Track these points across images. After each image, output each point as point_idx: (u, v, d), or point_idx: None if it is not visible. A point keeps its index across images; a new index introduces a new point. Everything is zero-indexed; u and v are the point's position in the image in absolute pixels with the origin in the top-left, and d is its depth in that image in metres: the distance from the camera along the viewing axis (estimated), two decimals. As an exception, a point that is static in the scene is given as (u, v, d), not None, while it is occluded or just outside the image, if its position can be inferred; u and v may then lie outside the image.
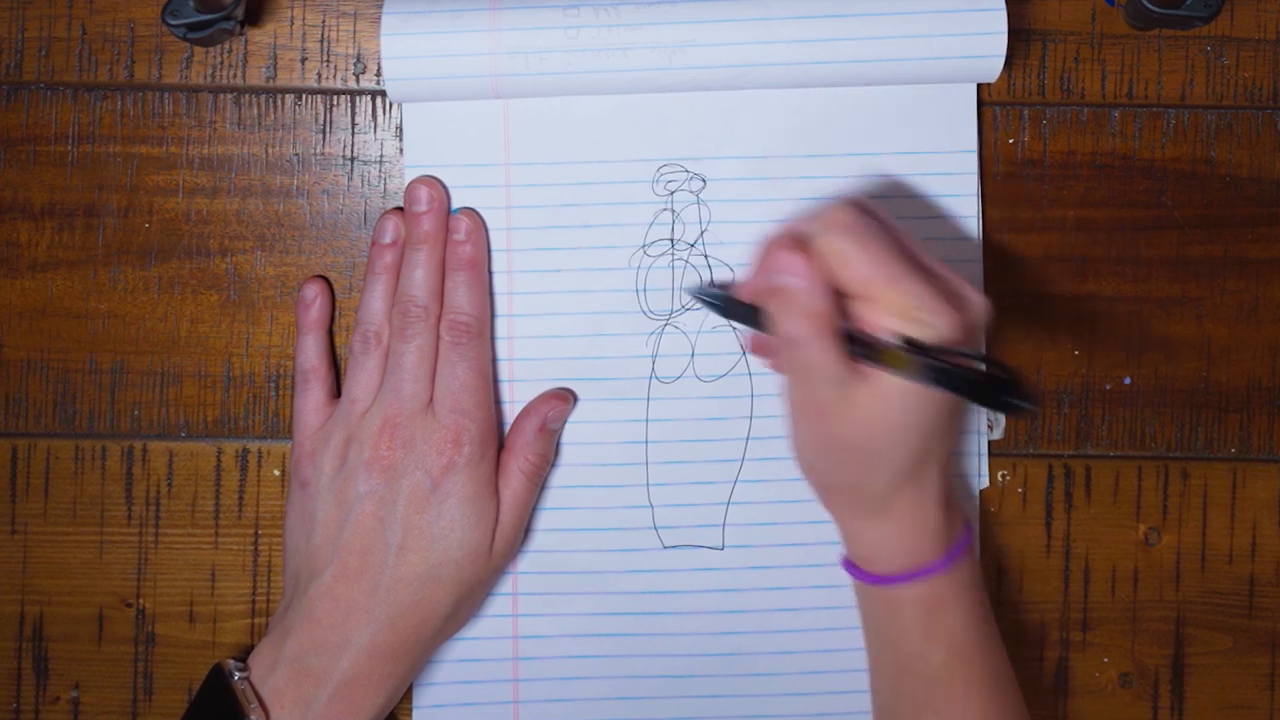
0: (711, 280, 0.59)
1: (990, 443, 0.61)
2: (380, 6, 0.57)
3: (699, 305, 0.59)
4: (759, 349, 0.58)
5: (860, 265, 0.49)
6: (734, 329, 0.59)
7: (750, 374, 0.60)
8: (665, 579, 0.60)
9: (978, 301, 0.51)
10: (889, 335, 0.48)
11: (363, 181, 0.61)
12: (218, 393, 0.61)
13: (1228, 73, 0.61)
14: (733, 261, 0.59)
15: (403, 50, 0.56)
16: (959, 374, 0.46)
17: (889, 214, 0.52)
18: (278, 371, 0.61)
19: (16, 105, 0.60)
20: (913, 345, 0.48)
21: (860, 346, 0.49)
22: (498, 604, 0.60)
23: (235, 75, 0.60)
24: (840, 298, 0.50)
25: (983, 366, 0.47)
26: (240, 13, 0.58)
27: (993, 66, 0.57)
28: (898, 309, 0.49)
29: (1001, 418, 0.61)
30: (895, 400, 0.49)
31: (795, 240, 0.51)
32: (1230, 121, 0.61)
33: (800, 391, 0.51)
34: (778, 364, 0.56)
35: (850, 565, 0.55)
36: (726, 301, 0.54)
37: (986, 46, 0.56)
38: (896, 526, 0.53)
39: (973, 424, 0.60)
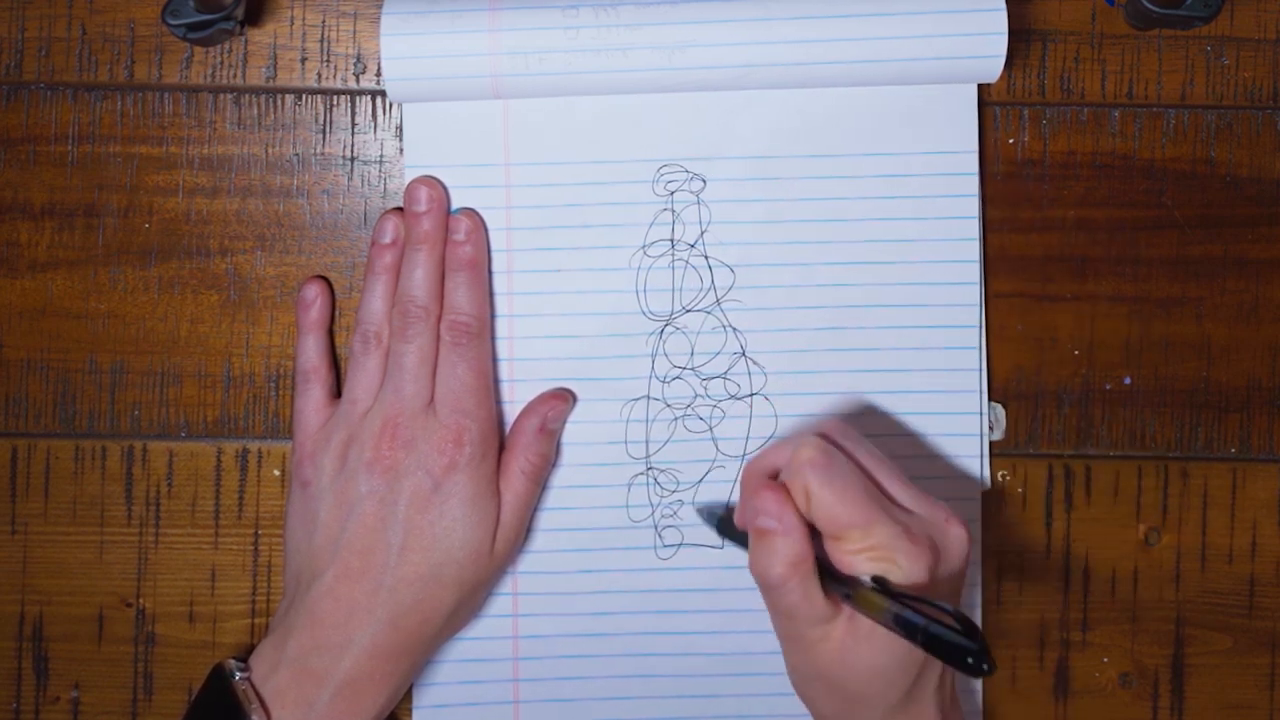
0: (718, 505, 0.60)
1: (990, 443, 0.61)
2: (380, 6, 0.57)
3: (701, 520, 0.59)
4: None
5: (829, 507, 0.49)
6: (733, 330, 0.59)
7: (750, 373, 0.60)
8: (665, 579, 0.60)
9: (958, 535, 0.51)
10: (861, 575, 0.48)
11: (363, 181, 0.61)
12: (218, 393, 0.61)
13: (1228, 73, 0.61)
14: (733, 262, 0.59)
15: (402, 50, 0.56)
16: (921, 626, 0.45)
17: (860, 443, 0.52)
18: (278, 371, 0.61)
19: (16, 105, 0.60)
20: (883, 587, 0.47)
21: (837, 583, 0.49)
22: (498, 604, 0.60)
23: (235, 75, 0.60)
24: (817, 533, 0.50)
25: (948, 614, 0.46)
26: (240, 13, 0.58)
27: (993, 67, 0.57)
28: (868, 550, 0.48)
29: (1002, 418, 0.61)
30: (875, 640, 0.49)
31: (769, 471, 0.51)
32: (1230, 121, 0.61)
33: (782, 626, 0.51)
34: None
35: None
36: (723, 525, 0.55)
37: (987, 47, 0.56)
38: None
39: (974, 427, 0.60)
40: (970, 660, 0.44)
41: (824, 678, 0.51)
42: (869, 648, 0.49)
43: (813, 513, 0.49)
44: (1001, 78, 0.60)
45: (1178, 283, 0.61)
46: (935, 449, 0.60)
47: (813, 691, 0.53)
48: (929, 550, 0.49)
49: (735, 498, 0.60)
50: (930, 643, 0.45)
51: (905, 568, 0.48)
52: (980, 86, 0.60)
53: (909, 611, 0.46)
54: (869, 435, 0.59)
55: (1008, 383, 0.61)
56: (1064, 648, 0.62)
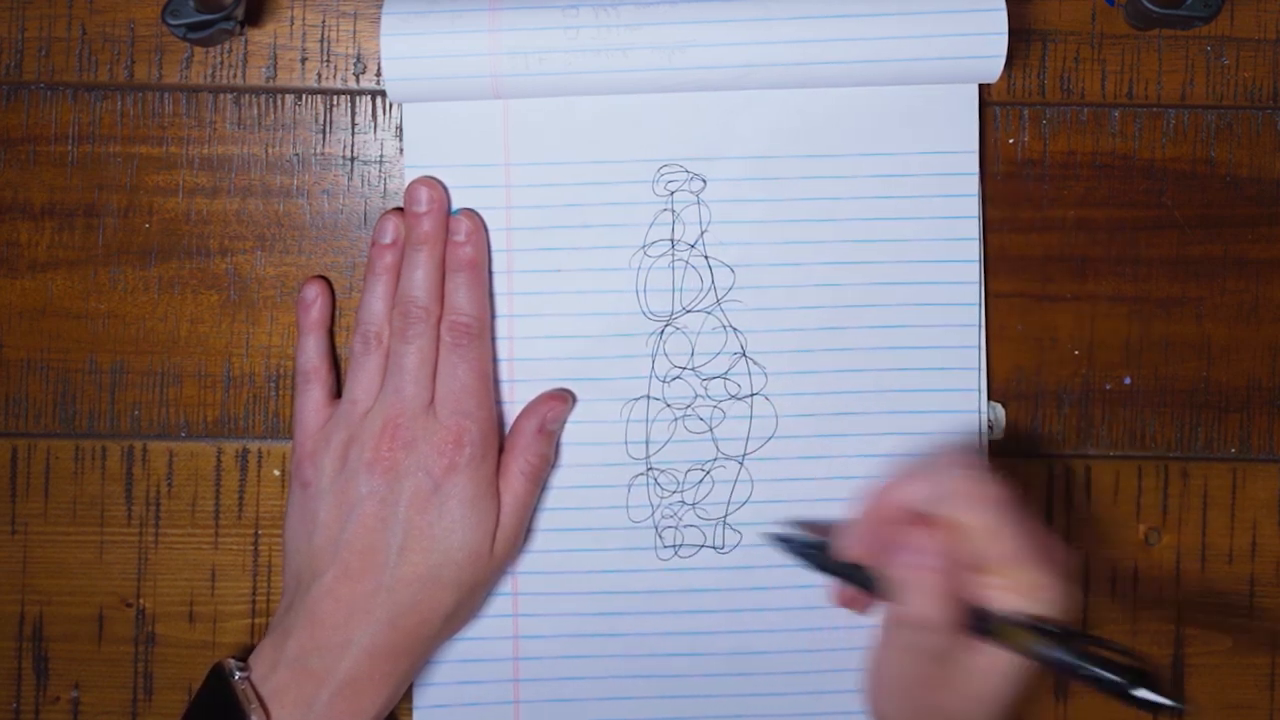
0: (806, 538, 0.58)
1: (990, 442, 0.61)
2: (380, 6, 0.57)
3: (784, 553, 0.58)
4: (844, 601, 0.58)
5: (988, 542, 0.49)
6: (733, 330, 0.59)
7: (750, 373, 0.60)
8: (666, 579, 0.60)
9: (1063, 558, 0.50)
10: (1012, 612, 0.48)
11: (363, 181, 0.61)
12: (218, 393, 0.61)
13: (1228, 73, 0.61)
14: (733, 262, 0.59)
15: (402, 50, 0.56)
16: (1096, 663, 0.45)
17: (984, 467, 0.51)
18: (278, 371, 0.61)
19: (16, 105, 0.60)
20: (1039, 624, 0.47)
21: (978, 621, 0.48)
22: (498, 604, 0.60)
23: (235, 75, 0.60)
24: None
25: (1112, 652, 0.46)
26: (240, 13, 0.58)
27: (993, 67, 0.57)
28: (1022, 587, 0.48)
29: (1001, 418, 0.61)
30: (1007, 673, 0.49)
31: (916, 510, 0.51)
32: (1230, 121, 0.61)
33: (902, 664, 0.51)
34: (860, 607, 0.57)
35: None
36: (821, 556, 0.54)
37: (987, 47, 0.56)
38: None
39: (973, 426, 0.60)
40: (1152, 692, 0.44)
41: (932, 713, 0.51)
42: (993, 681, 0.49)
43: (969, 548, 0.49)
44: (1001, 78, 0.60)
45: (1178, 283, 0.61)
46: (937, 447, 0.60)
47: (894, 712, 0.53)
48: (1059, 575, 0.49)
49: (736, 496, 0.60)
50: (1107, 678, 0.44)
51: (1047, 600, 0.48)
52: (981, 86, 0.60)
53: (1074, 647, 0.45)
54: (869, 435, 0.59)
55: (1008, 383, 0.61)
56: (1064, 648, 0.62)
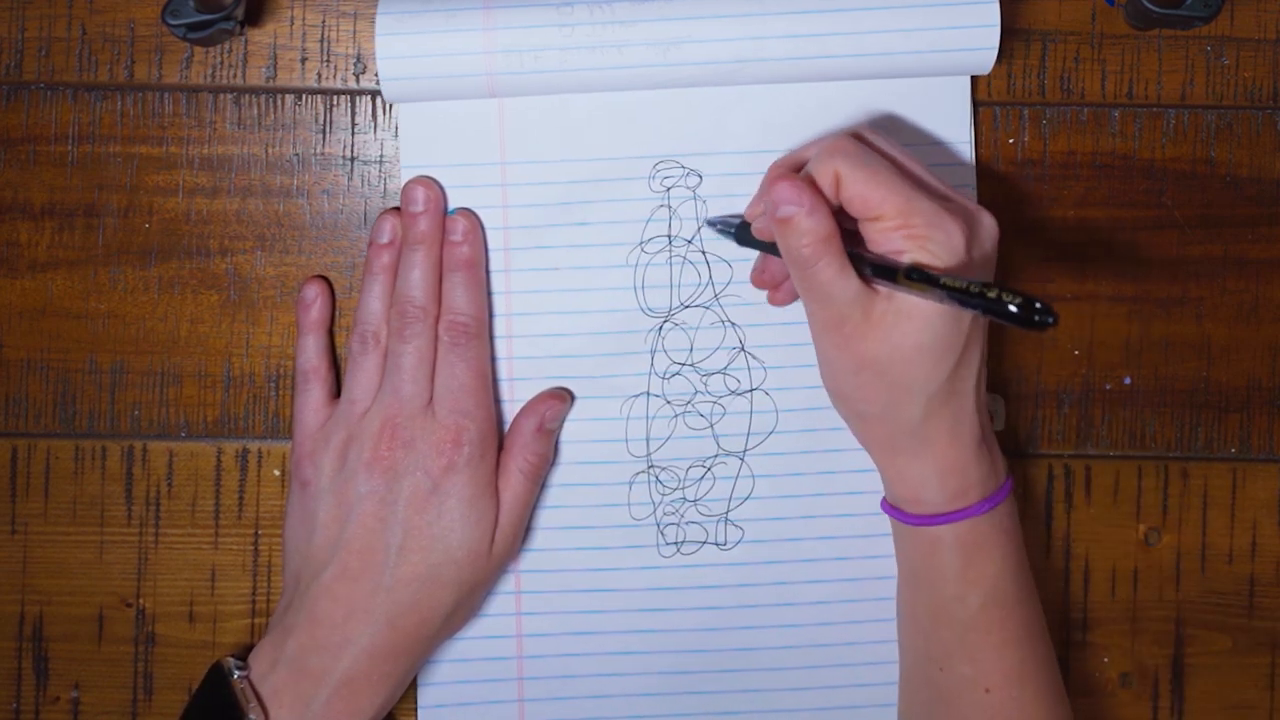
0: (731, 216, 0.59)
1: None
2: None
3: (716, 234, 0.59)
4: (760, 280, 0.58)
5: (860, 185, 0.49)
6: (732, 325, 0.59)
7: (749, 368, 0.60)
8: (669, 576, 0.60)
9: (988, 221, 0.51)
10: (899, 255, 0.49)
11: (363, 181, 0.61)
12: (218, 393, 0.61)
13: (1228, 73, 0.61)
14: (730, 256, 0.59)
15: (397, 50, 0.56)
16: (975, 294, 0.45)
17: (892, 141, 0.53)
18: (278, 371, 0.61)
19: (16, 105, 0.60)
20: (925, 271, 0.47)
21: (876, 268, 0.49)
22: (501, 603, 0.60)
23: (235, 75, 0.60)
24: (846, 221, 0.50)
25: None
26: (240, 13, 0.58)
27: (986, 59, 0.57)
28: (904, 228, 0.49)
29: (1001, 409, 0.61)
30: (918, 317, 0.49)
31: (793, 168, 0.52)
32: (1230, 121, 0.61)
33: (821, 314, 0.52)
34: (778, 296, 0.58)
35: (890, 507, 0.56)
36: (739, 230, 0.55)
37: (979, 38, 0.56)
38: (935, 465, 0.53)
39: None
40: (1031, 314, 0.43)
41: (866, 365, 0.51)
42: (911, 325, 0.49)
43: (844, 195, 0.50)
44: (1001, 78, 0.60)
45: (1178, 283, 0.61)
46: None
47: (854, 388, 0.53)
48: (965, 226, 0.49)
49: (738, 492, 0.60)
50: (990, 304, 0.44)
51: (945, 240, 0.48)
52: (980, 86, 0.60)
53: (957, 282, 0.46)
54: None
55: (1008, 383, 0.61)
56: (1064, 648, 0.62)
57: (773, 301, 0.59)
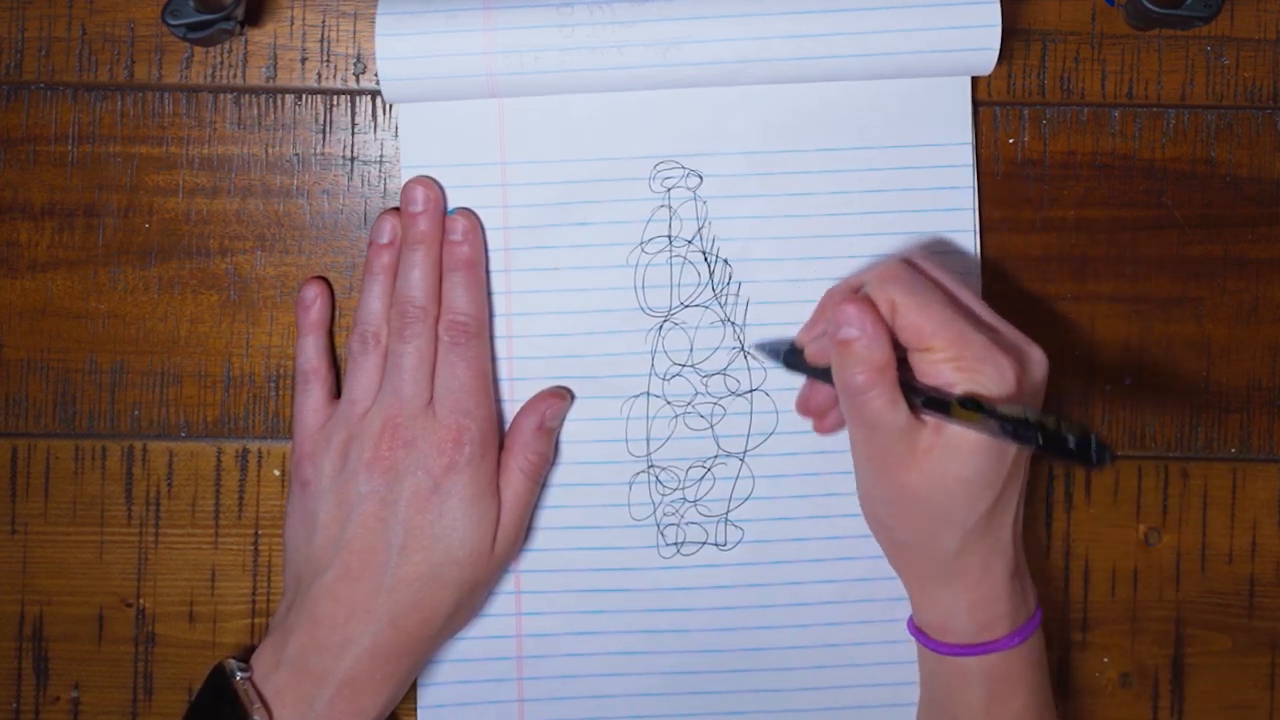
0: (779, 340, 0.59)
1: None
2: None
3: (764, 356, 0.59)
4: (806, 408, 0.58)
5: (914, 315, 0.50)
6: (733, 325, 0.59)
7: (750, 369, 0.60)
8: (669, 576, 0.60)
9: (1038, 357, 0.52)
10: (950, 387, 0.49)
11: (363, 181, 0.61)
12: (218, 393, 0.61)
13: (1228, 73, 0.61)
14: (731, 256, 0.59)
15: (397, 51, 0.56)
16: (1033, 425, 0.46)
17: (944, 268, 0.53)
18: (278, 371, 0.61)
19: (16, 105, 0.60)
20: (980, 401, 0.48)
21: (927, 399, 0.49)
22: (501, 602, 0.60)
23: (235, 75, 0.60)
24: (901, 350, 0.51)
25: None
26: (240, 13, 0.58)
27: (987, 59, 0.57)
28: (956, 360, 0.49)
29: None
30: (964, 452, 0.49)
31: (851, 292, 0.52)
32: (1230, 121, 0.61)
33: (866, 442, 0.52)
34: (822, 425, 0.58)
35: (917, 630, 0.56)
36: (788, 354, 0.56)
37: (980, 39, 0.56)
38: (968, 596, 0.53)
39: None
40: (1089, 450, 0.44)
41: (907, 496, 0.51)
42: (956, 459, 0.49)
43: (898, 324, 0.50)
44: (1001, 78, 0.60)
45: (1178, 283, 0.61)
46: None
47: (892, 516, 0.53)
48: (1015, 361, 0.49)
49: (738, 492, 0.60)
50: (1048, 437, 0.45)
51: (996, 376, 0.49)
52: (980, 86, 0.60)
53: (1015, 412, 0.46)
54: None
55: (1008, 382, 0.61)
56: (1064, 648, 0.62)
57: (819, 429, 0.58)
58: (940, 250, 0.59)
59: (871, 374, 0.50)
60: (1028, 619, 0.54)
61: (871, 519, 0.55)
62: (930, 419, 0.50)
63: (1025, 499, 0.53)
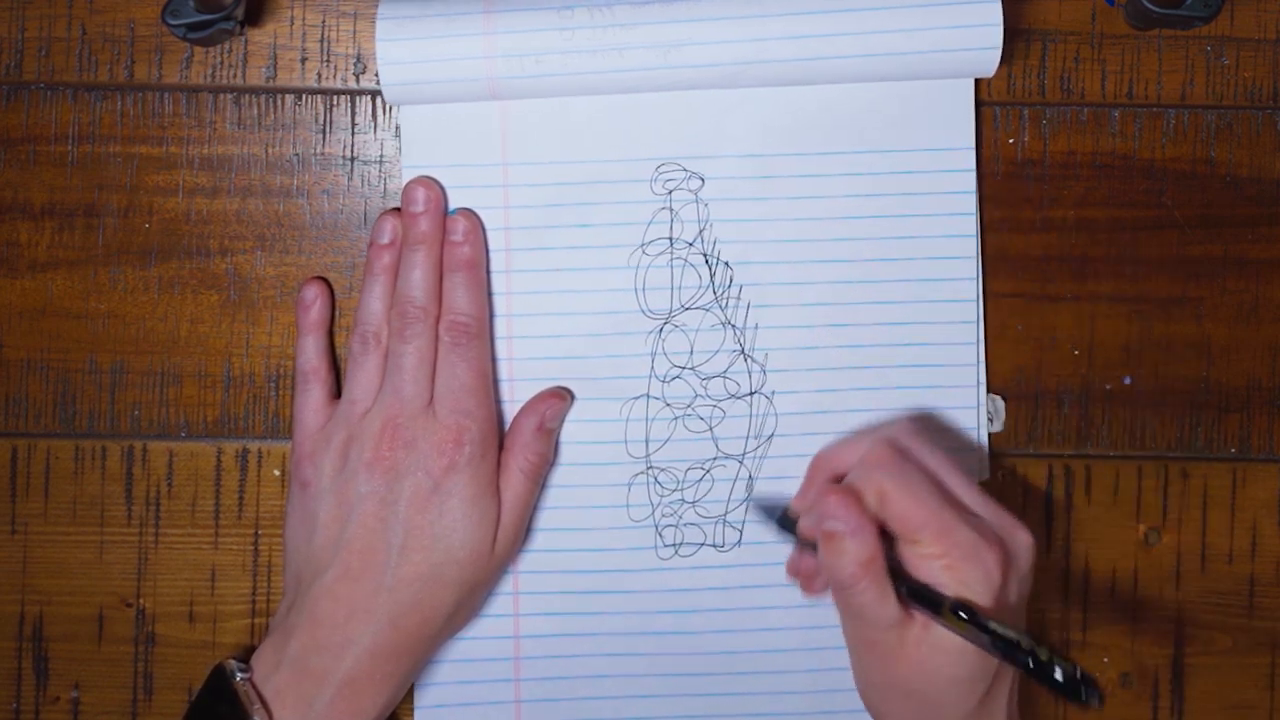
0: (776, 498, 0.59)
1: (991, 438, 0.61)
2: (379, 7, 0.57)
3: (761, 516, 0.59)
4: (795, 571, 0.58)
5: (902, 505, 0.49)
6: (733, 328, 0.59)
7: (749, 372, 0.60)
8: (668, 578, 0.60)
9: (1025, 540, 0.51)
10: (939, 585, 0.48)
11: (363, 181, 0.61)
12: (218, 393, 0.61)
13: (1228, 73, 0.61)
14: (732, 259, 0.59)
15: (398, 55, 0.56)
16: (1024, 651, 0.45)
17: (931, 447, 0.52)
18: (278, 371, 0.61)
19: (16, 105, 0.60)
20: (972, 610, 0.47)
21: (916, 594, 0.49)
22: (499, 603, 0.60)
23: (235, 75, 0.60)
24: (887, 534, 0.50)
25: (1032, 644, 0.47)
26: (240, 13, 0.58)
27: (989, 60, 0.56)
28: (943, 557, 0.49)
29: (1001, 410, 0.61)
30: (954, 651, 0.49)
31: (837, 468, 0.52)
32: (1230, 121, 0.61)
33: (856, 631, 0.52)
34: (811, 588, 0.57)
35: None
36: (784, 519, 0.55)
37: (982, 39, 0.56)
38: None
39: (973, 419, 0.60)
40: (1074, 685, 0.44)
41: (899, 686, 0.51)
42: (946, 658, 0.49)
43: (886, 514, 0.50)
44: (1001, 78, 0.60)
45: (1178, 283, 0.61)
46: (936, 441, 0.60)
47: (886, 702, 0.53)
48: (1002, 556, 0.49)
49: (738, 494, 0.60)
50: (1039, 670, 0.44)
51: (982, 575, 0.48)
52: (980, 86, 0.60)
53: (1007, 633, 0.46)
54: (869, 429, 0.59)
55: (1008, 383, 0.61)
56: (1064, 647, 0.62)
57: (807, 591, 0.58)
58: (941, 253, 0.59)
59: (858, 569, 0.49)
60: None
61: (865, 702, 0.54)
62: (922, 615, 0.49)
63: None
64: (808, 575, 0.57)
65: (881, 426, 0.56)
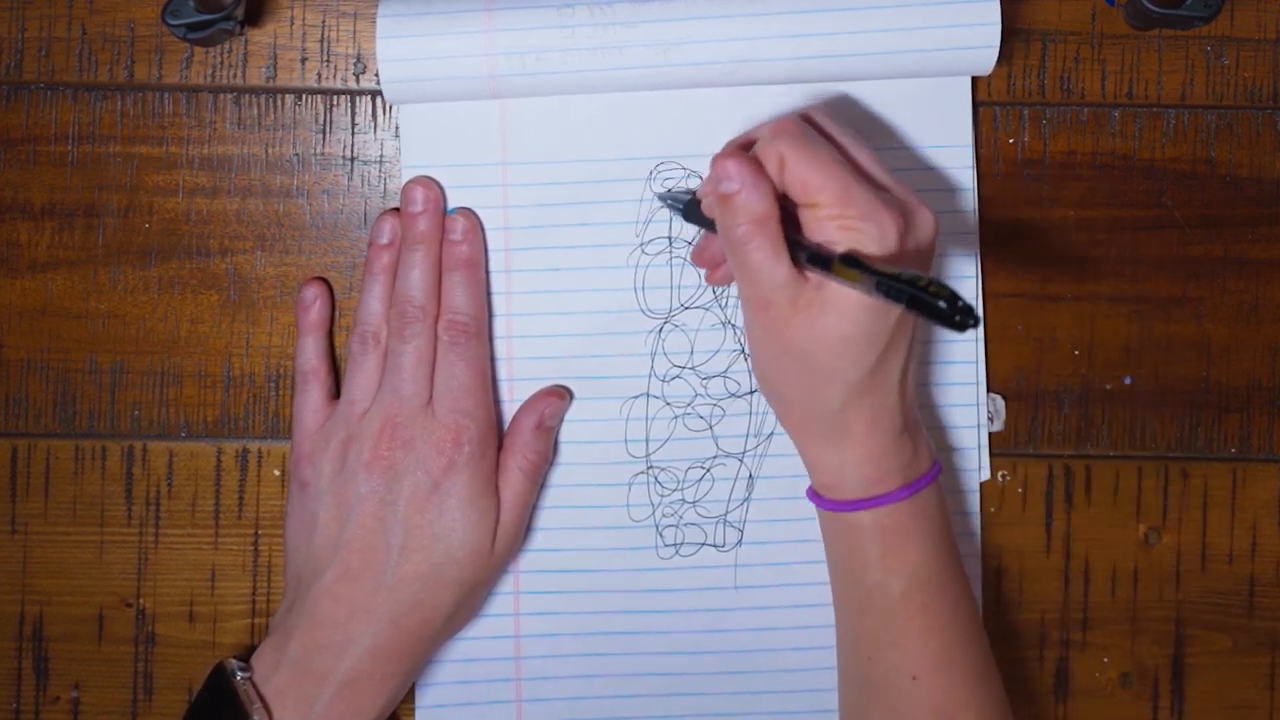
0: (683, 190, 0.59)
1: (991, 437, 0.61)
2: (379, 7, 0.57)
3: (665, 206, 0.59)
4: (700, 258, 0.58)
5: (801, 169, 0.49)
6: (733, 328, 0.59)
7: (749, 371, 0.60)
8: (667, 577, 0.60)
9: (926, 215, 0.51)
10: (832, 244, 0.48)
11: (363, 181, 0.61)
12: (218, 393, 0.61)
13: (1228, 73, 0.61)
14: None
15: (398, 52, 0.56)
16: (903, 283, 0.45)
17: (841, 123, 0.52)
18: (278, 371, 0.61)
19: (16, 105, 0.60)
20: (858, 259, 0.47)
21: (810, 255, 0.49)
22: (499, 603, 0.60)
23: (235, 75, 0.60)
24: (788, 204, 0.50)
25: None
26: (240, 13, 0.58)
27: (987, 58, 0.56)
28: (839, 218, 0.49)
29: (1001, 409, 0.61)
30: (845, 309, 0.49)
31: (740, 147, 0.51)
32: (1230, 121, 0.61)
33: (750, 294, 0.51)
34: (715, 276, 0.57)
35: (813, 494, 0.55)
36: (688, 205, 0.55)
37: (980, 37, 0.56)
38: (854, 451, 0.53)
39: (973, 418, 0.60)
40: (954, 313, 0.43)
41: (790, 351, 0.51)
42: (837, 315, 0.49)
43: (785, 179, 0.50)
44: (1001, 78, 0.60)
45: (1178, 283, 0.61)
46: (936, 440, 0.60)
47: (777, 371, 0.53)
48: (900, 219, 0.49)
49: (737, 494, 0.60)
50: (917, 302, 0.44)
51: (878, 234, 0.48)
52: (980, 86, 0.60)
53: (889, 270, 0.45)
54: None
55: (1008, 383, 0.61)
56: (1064, 648, 0.62)
57: (710, 280, 0.58)
58: (940, 252, 0.59)
59: (752, 226, 0.49)
60: (920, 475, 0.53)
61: (758, 374, 0.54)
62: (814, 275, 0.49)
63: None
64: (713, 262, 0.57)
65: (798, 108, 0.56)
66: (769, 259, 0.49)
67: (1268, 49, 0.61)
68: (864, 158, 0.52)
